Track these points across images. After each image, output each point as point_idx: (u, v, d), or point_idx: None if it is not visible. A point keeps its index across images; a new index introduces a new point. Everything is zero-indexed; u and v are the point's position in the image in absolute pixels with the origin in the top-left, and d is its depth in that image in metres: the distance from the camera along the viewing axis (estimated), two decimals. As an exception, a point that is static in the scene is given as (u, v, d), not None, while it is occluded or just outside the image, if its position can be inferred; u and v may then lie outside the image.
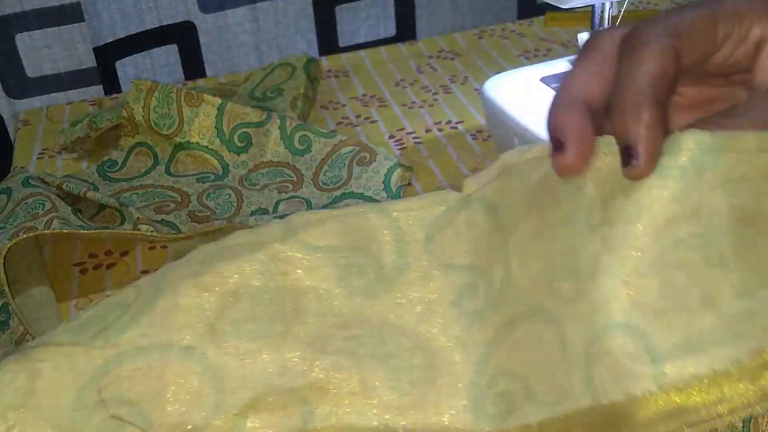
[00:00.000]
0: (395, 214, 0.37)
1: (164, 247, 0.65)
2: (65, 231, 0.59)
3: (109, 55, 0.92)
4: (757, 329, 0.29)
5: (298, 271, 0.36)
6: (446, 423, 0.34)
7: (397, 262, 0.37)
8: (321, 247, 0.36)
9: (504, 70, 0.77)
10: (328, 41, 1.02)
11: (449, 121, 0.81)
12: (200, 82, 0.94)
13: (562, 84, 0.33)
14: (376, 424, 0.34)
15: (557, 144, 0.32)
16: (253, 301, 0.35)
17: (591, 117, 0.32)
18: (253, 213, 0.67)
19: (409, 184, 0.70)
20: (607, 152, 0.32)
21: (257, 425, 0.34)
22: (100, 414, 0.33)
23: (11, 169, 0.76)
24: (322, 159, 0.72)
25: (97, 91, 0.93)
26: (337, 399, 0.34)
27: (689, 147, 0.31)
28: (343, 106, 0.86)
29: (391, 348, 0.35)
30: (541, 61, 0.83)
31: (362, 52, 0.98)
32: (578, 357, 0.32)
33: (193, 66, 0.96)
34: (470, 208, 0.36)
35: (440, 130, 0.79)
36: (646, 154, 0.30)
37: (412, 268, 0.37)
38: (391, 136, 0.79)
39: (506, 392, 0.34)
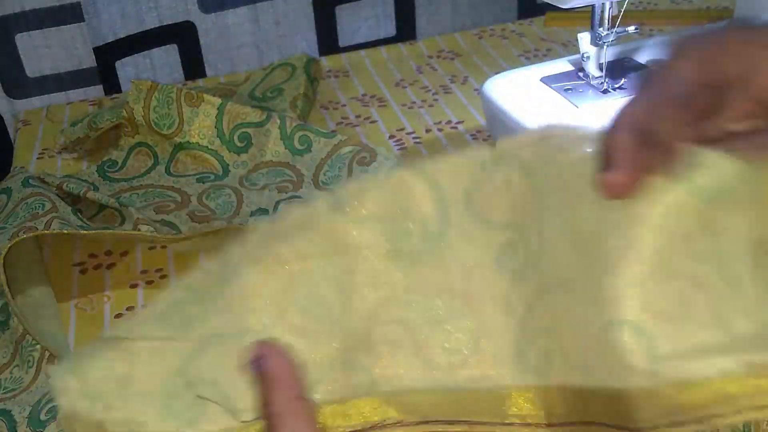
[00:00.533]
0: (433, 174, 0.37)
1: (164, 247, 0.65)
2: (65, 231, 0.59)
3: (109, 55, 0.92)
4: (763, 353, 0.30)
5: (350, 245, 0.37)
6: (493, 378, 0.35)
7: (440, 223, 0.37)
8: (367, 216, 0.37)
9: (504, 70, 0.77)
10: (328, 41, 1.02)
11: (449, 121, 0.81)
12: (200, 82, 0.94)
13: (621, 108, 0.33)
14: (430, 385, 0.35)
15: (606, 161, 0.33)
16: (313, 282, 0.36)
17: (644, 141, 0.33)
18: (253, 213, 0.67)
19: (409, 184, 0.70)
20: None
21: (320, 396, 0.35)
22: (187, 396, 0.35)
23: (11, 169, 0.76)
24: (322, 159, 0.72)
25: (97, 91, 0.93)
26: (394, 364, 0.36)
27: (719, 168, 0.32)
28: (343, 106, 0.86)
29: (442, 311, 0.36)
30: (541, 61, 0.83)
31: (362, 52, 0.98)
32: (593, 339, 0.33)
33: (193, 66, 0.96)
34: (507, 166, 0.37)
35: (440, 130, 0.79)
36: (668, 140, 0.32)
37: (453, 227, 0.37)
38: (391, 136, 0.79)
39: (546, 349, 0.35)
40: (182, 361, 0.36)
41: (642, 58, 0.66)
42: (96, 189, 0.69)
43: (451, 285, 0.37)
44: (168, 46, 0.95)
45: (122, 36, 0.92)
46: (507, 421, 0.35)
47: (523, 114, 0.61)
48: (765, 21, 0.33)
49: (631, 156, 0.32)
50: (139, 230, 0.61)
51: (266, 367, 0.33)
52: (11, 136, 0.90)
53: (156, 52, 0.95)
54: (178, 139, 0.75)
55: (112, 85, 0.94)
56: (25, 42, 0.88)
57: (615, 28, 0.61)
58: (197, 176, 0.73)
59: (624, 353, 0.32)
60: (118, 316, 0.59)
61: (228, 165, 0.74)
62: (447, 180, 0.37)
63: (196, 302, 0.37)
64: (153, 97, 0.75)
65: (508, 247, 0.37)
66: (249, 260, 0.37)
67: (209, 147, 0.75)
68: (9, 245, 0.57)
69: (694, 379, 0.30)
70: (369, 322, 0.36)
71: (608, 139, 0.33)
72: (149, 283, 0.62)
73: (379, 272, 0.37)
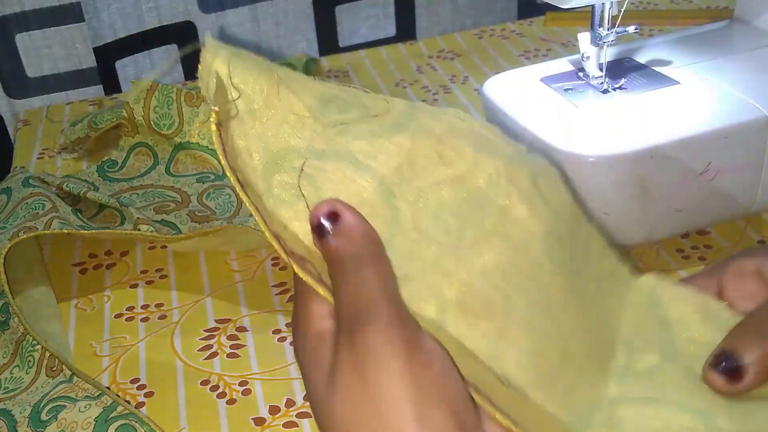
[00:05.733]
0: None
1: (164, 247, 0.65)
2: (65, 231, 0.59)
3: (109, 55, 0.92)
4: None
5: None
6: None
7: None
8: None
9: (504, 70, 0.77)
10: (328, 41, 1.02)
11: (449, 121, 0.81)
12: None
13: None
14: None
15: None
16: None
17: None
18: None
19: (409, 184, 0.70)
20: None
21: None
22: (292, 173, 0.33)
23: (11, 169, 0.76)
24: (322, 159, 0.72)
25: (97, 91, 0.93)
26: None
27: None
28: (343, 106, 0.86)
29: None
30: (541, 61, 0.83)
31: (362, 52, 0.98)
32: None
33: (193, 66, 0.96)
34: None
35: (440, 130, 0.79)
36: None
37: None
38: (391, 136, 0.79)
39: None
40: (308, 149, 0.34)
41: (642, 58, 0.66)
42: (96, 189, 0.69)
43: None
44: (168, 46, 0.95)
45: (122, 36, 0.92)
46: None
47: (523, 114, 0.61)
48: None
49: None
50: (138, 230, 0.61)
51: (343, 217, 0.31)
52: (11, 136, 0.90)
53: (156, 52, 0.95)
54: (178, 139, 0.75)
55: (112, 85, 0.94)
56: (25, 42, 0.88)
57: (615, 28, 0.61)
58: (197, 176, 0.73)
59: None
60: (118, 316, 0.59)
61: (228, 165, 0.74)
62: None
63: (359, 116, 0.36)
64: (153, 97, 0.75)
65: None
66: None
67: (209, 147, 0.75)
68: (9, 245, 0.57)
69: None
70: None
71: None
72: (149, 283, 0.62)
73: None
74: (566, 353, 0.34)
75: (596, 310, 0.36)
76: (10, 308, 0.55)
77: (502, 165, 0.35)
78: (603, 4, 0.60)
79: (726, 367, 0.33)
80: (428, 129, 0.36)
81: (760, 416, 0.33)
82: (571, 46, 0.94)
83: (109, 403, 0.48)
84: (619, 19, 0.61)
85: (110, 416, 0.47)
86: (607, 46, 0.62)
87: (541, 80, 0.65)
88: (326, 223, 0.31)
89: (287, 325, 0.56)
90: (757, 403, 0.34)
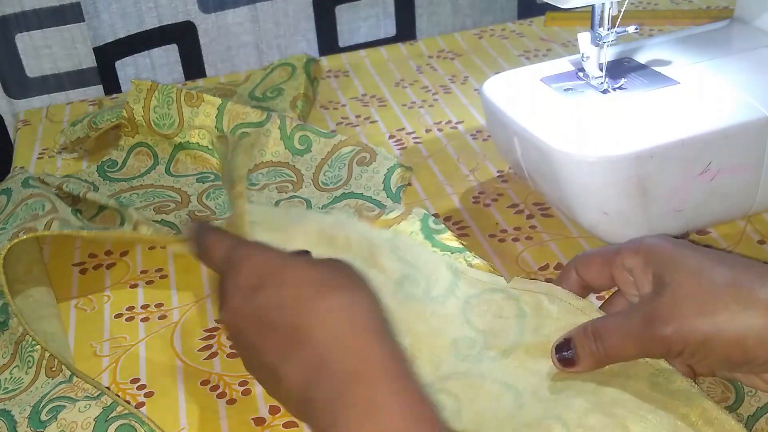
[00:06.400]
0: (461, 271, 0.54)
1: (164, 247, 0.65)
2: (65, 232, 0.59)
3: (109, 55, 0.92)
4: None
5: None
6: None
7: (444, 295, 0.52)
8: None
9: (504, 70, 0.77)
10: (328, 41, 1.02)
11: (449, 121, 0.81)
12: (200, 82, 0.94)
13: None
14: None
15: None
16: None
17: None
18: (253, 213, 0.67)
19: (409, 184, 0.70)
20: None
21: None
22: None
23: (11, 169, 0.76)
24: (322, 159, 0.72)
25: (97, 91, 0.93)
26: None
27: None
28: (343, 106, 0.86)
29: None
30: (541, 61, 0.83)
31: (362, 52, 0.98)
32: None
33: (193, 66, 0.96)
34: (509, 301, 0.51)
35: (440, 130, 0.79)
36: None
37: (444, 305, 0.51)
38: (391, 136, 0.79)
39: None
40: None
41: (642, 58, 0.66)
42: (96, 189, 0.69)
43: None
44: (168, 46, 0.95)
45: (122, 36, 0.92)
46: None
47: (523, 114, 0.61)
48: None
49: None
50: (138, 231, 0.61)
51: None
52: (11, 136, 0.90)
53: (156, 52, 0.95)
54: (178, 139, 0.75)
55: (112, 85, 0.94)
56: (25, 42, 0.88)
57: (615, 28, 0.61)
58: (197, 176, 0.73)
59: None
60: (118, 316, 0.59)
61: (228, 165, 0.74)
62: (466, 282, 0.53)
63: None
64: (153, 97, 0.75)
65: (467, 342, 0.49)
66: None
67: (209, 147, 0.75)
68: (9, 246, 0.57)
69: None
70: None
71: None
72: (149, 283, 0.62)
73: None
74: (417, 348, 0.48)
75: (455, 315, 0.50)
76: (10, 308, 0.55)
77: (367, 243, 0.53)
78: (603, 4, 0.60)
79: (564, 354, 0.45)
80: (322, 221, 0.56)
81: (564, 397, 0.44)
82: (571, 46, 0.94)
83: (108, 403, 0.48)
84: (619, 19, 0.61)
85: (110, 416, 0.47)
86: (607, 46, 0.62)
87: (541, 80, 0.65)
88: None
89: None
90: (577, 384, 0.44)
